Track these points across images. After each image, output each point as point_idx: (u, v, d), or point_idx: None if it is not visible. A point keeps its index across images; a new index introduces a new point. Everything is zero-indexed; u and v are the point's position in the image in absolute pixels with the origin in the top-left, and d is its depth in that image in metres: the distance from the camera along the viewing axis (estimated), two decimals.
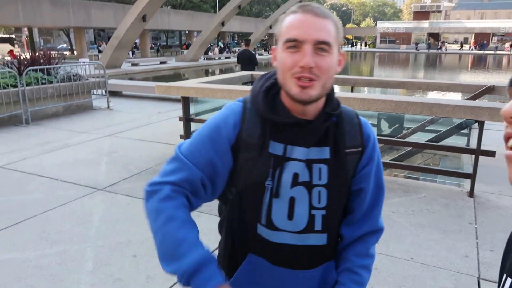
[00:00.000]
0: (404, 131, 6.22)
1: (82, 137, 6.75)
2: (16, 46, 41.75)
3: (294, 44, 0.95)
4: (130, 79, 21.08)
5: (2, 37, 42.03)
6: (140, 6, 20.50)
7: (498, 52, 53.17)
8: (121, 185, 4.53)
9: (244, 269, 1.12)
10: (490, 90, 5.59)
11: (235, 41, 58.77)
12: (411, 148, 5.04)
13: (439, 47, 59.38)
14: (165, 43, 60.84)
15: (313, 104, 1.01)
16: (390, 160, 5.54)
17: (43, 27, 43.72)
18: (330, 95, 1.06)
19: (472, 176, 4.17)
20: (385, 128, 6.48)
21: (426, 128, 6.15)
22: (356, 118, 1.11)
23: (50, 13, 28.09)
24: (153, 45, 52.05)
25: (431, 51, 57.23)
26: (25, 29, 40.23)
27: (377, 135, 4.67)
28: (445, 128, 5.82)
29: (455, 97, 7.58)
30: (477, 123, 4.13)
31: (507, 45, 55.58)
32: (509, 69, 33.55)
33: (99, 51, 29.27)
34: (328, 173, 1.05)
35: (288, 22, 0.98)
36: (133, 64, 26.69)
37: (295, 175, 1.04)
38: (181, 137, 5.89)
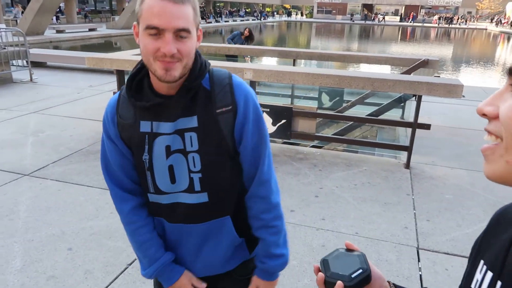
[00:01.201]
0: (344, 104, 6.36)
1: (1, 115, 6.05)
2: None
3: (155, 32, 1.01)
4: (56, 47, 19.35)
5: None
6: None
7: (425, 24, 56.37)
8: (50, 169, 4.13)
9: (156, 230, 1.30)
10: (424, 63, 5.83)
11: None
12: (352, 122, 5.14)
13: (372, 18, 61.55)
14: (93, 8, 56.39)
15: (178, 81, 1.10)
16: (332, 134, 5.64)
17: None
18: (191, 69, 1.13)
19: (409, 149, 4.36)
20: (326, 101, 6.58)
21: (365, 101, 6.34)
22: (227, 79, 1.17)
23: None
24: (80, 10, 47.96)
25: (367, 22, 59.04)
26: None
27: (319, 108, 4.66)
28: (383, 100, 6.03)
29: (391, 70, 7.88)
30: (414, 97, 4.28)
31: (435, 17, 59.07)
32: (437, 41, 35.75)
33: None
34: (198, 140, 1.14)
35: (148, 7, 1.01)
36: (58, 31, 24.46)
37: (168, 147, 1.15)
38: None
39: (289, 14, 73.65)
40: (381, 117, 5.00)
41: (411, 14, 63.04)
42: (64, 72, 9.99)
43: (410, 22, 59.98)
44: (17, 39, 9.41)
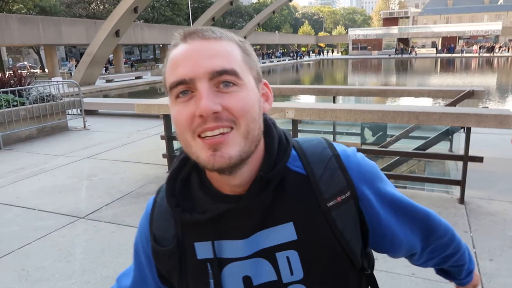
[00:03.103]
0: (388, 139, 6.25)
1: (59, 161, 6.47)
2: None
3: (184, 88, 0.65)
4: (105, 96, 20.69)
5: None
6: (112, 22, 20.21)
7: (466, 54, 55.16)
8: (103, 211, 4.31)
9: None
10: (469, 94, 5.67)
11: None
12: (398, 157, 5.02)
13: (409, 51, 61.18)
14: (139, 58, 60.25)
15: (243, 167, 0.69)
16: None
17: (11, 45, 42.52)
18: (266, 146, 0.73)
19: (461, 183, 4.17)
20: (369, 136, 6.49)
21: (409, 135, 6.19)
22: (328, 149, 0.76)
23: (19, 31, 27.34)
24: (127, 60, 51.41)
25: (404, 56, 58.72)
26: None
27: (362, 144, 4.61)
28: (429, 133, 5.87)
29: (435, 103, 7.73)
30: (462, 129, 4.15)
31: (475, 47, 57.79)
32: (478, 71, 34.78)
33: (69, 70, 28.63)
34: (301, 261, 0.72)
35: (171, 60, 0.68)
36: (108, 80, 26.22)
37: (246, 279, 0.73)
38: (164, 156, 5.71)
39: (320, 52, 74.79)
40: (429, 150, 4.85)
41: (447, 45, 62.11)
42: (114, 118, 10.61)
43: (447, 53, 58.95)
44: (72, 90, 10.19)
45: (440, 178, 4.67)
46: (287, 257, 0.72)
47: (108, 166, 6.08)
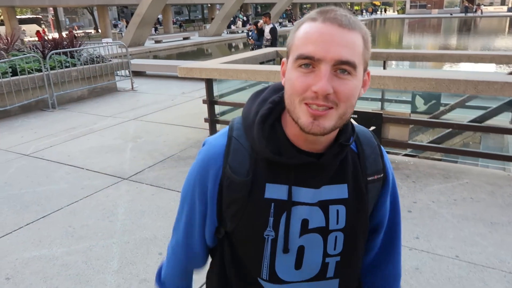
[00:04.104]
0: (442, 108, 5.81)
1: (107, 121, 6.71)
2: (43, 26, 42.32)
3: (308, 62, 0.75)
4: (154, 57, 21.03)
5: (29, 18, 42.68)
6: None
7: None
8: (146, 173, 4.44)
9: None
10: None
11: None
12: (451, 129, 4.66)
13: (474, 10, 56.00)
14: (187, 18, 60.23)
15: (327, 135, 0.81)
16: (427, 142, 5.18)
17: (67, 6, 43.99)
18: (345, 123, 0.86)
19: None
20: (420, 105, 6.07)
21: (466, 104, 5.72)
22: (375, 140, 0.95)
23: None
24: (175, 20, 51.58)
25: (468, 14, 53.81)
26: (51, 8, 40.63)
27: (412, 112, 4.30)
28: (488, 103, 5.37)
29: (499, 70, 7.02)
30: None
31: None
32: None
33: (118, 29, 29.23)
34: (346, 215, 0.89)
35: (304, 33, 0.78)
36: (156, 41, 26.54)
37: (304, 222, 0.87)
38: (206, 120, 5.72)
39: (374, 12, 70.51)
40: (487, 123, 4.45)
41: None
42: (160, 80, 10.77)
43: None
44: (121, 51, 10.40)
45: (497, 153, 4.27)
46: (337, 210, 0.88)
47: (152, 128, 6.21)
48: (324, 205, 0.87)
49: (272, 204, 0.86)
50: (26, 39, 28.09)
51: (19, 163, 4.92)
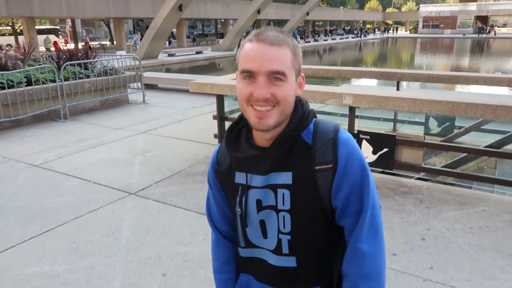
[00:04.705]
0: (456, 131, 5.69)
1: (117, 134, 6.70)
2: (60, 36, 43.22)
3: (249, 75, 0.98)
4: (167, 70, 21.24)
5: (47, 28, 43.65)
6: None
7: None
8: (153, 189, 4.38)
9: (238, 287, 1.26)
10: None
11: None
12: (466, 154, 4.53)
13: (488, 31, 55.81)
14: (201, 32, 61.06)
15: (275, 129, 1.03)
16: (442, 166, 5.05)
17: (85, 18, 44.96)
18: (290, 120, 1.06)
19: None
20: (434, 127, 5.96)
21: (481, 127, 5.59)
22: (332, 133, 1.06)
23: (91, 5, 28.74)
24: (189, 34, 52.31)
25: (482, 35, 53.52)
26: (69, 20, 41.55)
27: (426, 134, 4.16)
28: (505, 127, 5.23)
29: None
30: None
31: None
32: None
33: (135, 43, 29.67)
34: (290, 199, 1.06)
35: (244, 52, 1.00)
36: (170, 55, 26.86)
37: (258, 201, 1.10)
38: (215, 136, 5.68)
39: (386, 30, 70.64)
40: (505, 148, 4.32)
41: None
42: (172, 94, 10.82)
43: None
44: (134, 63, 10.49)
45: None
46: (283, 193, 1.07)
47: (161, 142, 6.18)
48: (273, 188, 1.07)
49: (240, 187, 1.12)
50: (42, 48, 28.68)
51: (28, 174, 4.90)
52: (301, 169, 1.05)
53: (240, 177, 1.13)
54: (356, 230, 1.06)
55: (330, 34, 55.25)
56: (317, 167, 1.04)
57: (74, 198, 4.17)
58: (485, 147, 4.30)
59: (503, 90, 6.36)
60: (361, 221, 1.06)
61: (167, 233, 3.41)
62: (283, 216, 1.08)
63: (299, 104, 1.09)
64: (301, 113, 1.08)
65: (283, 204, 1.07)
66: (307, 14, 36.05)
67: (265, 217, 1.10)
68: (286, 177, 1.06)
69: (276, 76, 0.97)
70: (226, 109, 5.72)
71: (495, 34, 54.54)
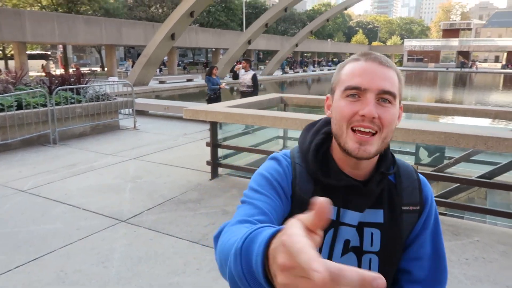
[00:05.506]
0: (446, 161, 5.77)
1: (107, 160, 6.62)
2: (51, 62, 43.30)
3: (355, 93, 0.88)
4: (157, 96, 21.31)
5: (38, 53, 43.75)
6: (169, 25, 20.82)
7: None
8: (144, 216, 4.29)
9: None
10: None
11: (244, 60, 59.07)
12: (458, 184, 4.58)
13: (470, 65, 57.84)
14: (191, 60, 61.90)
15: (369, 160, 0.93)
16: (435, 197, 5.07)
17: (76, 44, 45.28)
18: (385, 153, 0.97)
19: None
20: (424, 157, 6.04)
21: (471, 158, 5.68)
22: (415, 174, 1.03)
23: (84, 31, 29.00)
24: (180, 62, 52.96)
25: (464, 70, 55.39)
26: (60, 46, 41.75)
27: (416, 164, 4.21)
28: (494, 158, 5.33)
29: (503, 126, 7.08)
30: None
31: None
32: None
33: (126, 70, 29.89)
34: (381, 239, 0.97)
35: (350, 69, 0.91)
36: (161, 82, 27.03)
37: (346, 242, 0.96)
38: (208, 163, 5.65)
39: None
40: (497, 179, 4.38)
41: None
42: (163, 120, 10.81)
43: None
44: (126, 89, 10.51)
45: (508, 211, 4.16)
46: (372, 233, 0.96)
47: (153, 168, 6.12)
48: (359, 227, 0.95)
49: None
50: (32, 73, 28.62)
51: (15, 199, 4.77)
52: (390, 207, 0.98)
53: None
54: (429, 276, 1.01)
55: (318, 65, 56.52)
56: (404, 207, 0.99)
57: (63, 225, 4.05)
58: (477, 177, 4.35)
59: (491, 122, 6.53)
60: (437, 268, 1.02)
61: (159, 262, 3.32)
62: (370, 259, 0.97)
63: None
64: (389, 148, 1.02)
65: (371, 245, 0.97)
66: (296, 45, 36.95)
67: (345, 262, 0.95)
68: (378, 215, 0.97)
69: (386, 97, 0.87)
70: (219, 135, 5.73)
71: (476, 69, 56.48)
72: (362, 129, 0.86)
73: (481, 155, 5.69)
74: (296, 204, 0.96)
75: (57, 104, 8.02)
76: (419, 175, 1.04)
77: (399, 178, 1.00)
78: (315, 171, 0.95)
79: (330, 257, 0.95)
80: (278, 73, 39.52)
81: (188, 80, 29.84)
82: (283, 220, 0.94)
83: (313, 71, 48.49)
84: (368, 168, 0.95)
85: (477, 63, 61.01)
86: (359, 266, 0.95)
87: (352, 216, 0.95)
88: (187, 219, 4.19)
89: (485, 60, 75.28)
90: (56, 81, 9.06)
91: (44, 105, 7.76)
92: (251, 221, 0.82)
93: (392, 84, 0.88)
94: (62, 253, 3.48)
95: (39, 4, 39.50)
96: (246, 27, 39.21)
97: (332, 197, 0.82)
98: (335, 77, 0.94)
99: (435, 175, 4.70)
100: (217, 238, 0.83)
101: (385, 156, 0.97)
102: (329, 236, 0.95)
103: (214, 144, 5.56)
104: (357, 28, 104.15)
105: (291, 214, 0.95)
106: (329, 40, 73.61)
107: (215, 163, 5.60)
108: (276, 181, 0.95)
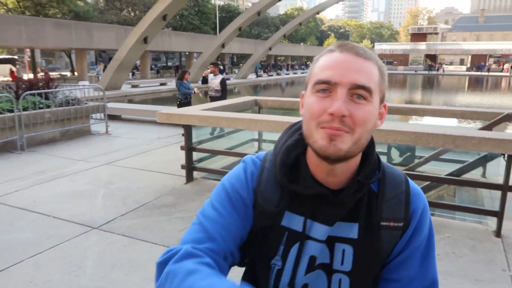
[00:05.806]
0: (416, 160, 5.93)
1: (79, 166, 6.43)
2: (17, 66, 41.82)
3: (325, 87, 0.77)
4: (130, 101, 20.95)
5: (4, 58, 42.16)
6: (141, 28, 20.54)
7: (494, 73, 53.56)
8: (117, 222, 4.19)
9: None
10: (508, 118, 5.33)
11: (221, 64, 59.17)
12: (429, 182, 4.72)
13: (437, 68, 59.91)
14: (164, 64, 61.23)
15: (343, 164, 0.81)
16: None
17: (45, 48, 43.95)
18: (367, 156, 0.85)
19: (499, 214, 3.85)
20: (396, 156, 6.19)
21: (440, 157, 5.87)
22: (403, 184, 0.88)
23: (53, 35, 28.19)
24: (153, 66, 52.28)
25: (431, 72, 57.32)
26: (28, 50, 40.43)
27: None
28: (462, 157, 5.52)
29: (469, 125, 7.36)
30: (503, 156, 3.84)
31: (506, 66, 55.99)
32: (511, 91, 33.64)
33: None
34: (353, 258, 0.84)
35: (323, 62, 0.81)
36: (133, 86, 26.58)
37: (312, 259, 0.85)
38: (183, 167, 5.58)
39: None
40: (465, 177, 4.54)
41: (477, 63, 60.42)
42: (136, 125, 10.62)
43: (476, 71, 57.31)
44: (97, 93, 10.27)
45: (476, 207, 4.32)
46: (343, 250, 0.84)
47: (126, 173, 5.99)
48: (330, 241, 0.84)
49: (286, 233, 0.86)
50: (0, 78, 27.58)
51: None
52: (366, 221, 0.85)
53: (292, 220, 0.85)
54: None
55: (291, 69, 57.11)
56: (383, 223, 0.85)
57: (32, 234, 3.90)
58: (446, 175, 4.49)
59: (458, 122, 6.76)
60: None
61: (134, 269, 3.24)
62: (339, 280, 0.85)
63: (373, 143, 0.88)
64: (375, 154, 0.88)
65: (342, 264, 0.84)
66: (270, 49, 37.20)
67: (311, 280, 0.85)
68: (352, 230, 0.84)
69: (359, 92, 0.76)
70: (194, 138, 5.68)
71: (443, 71, 58.58)
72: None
73: (450, 153, 5.89)
74: (259, 214, 0.88)
75: (25, 109, 7.74)
76: (411, 185, 0.89)
77: (383, 188, 0.87)
78: (280, 177, 0.86)
79: (294, 274, 0.85)
80: (252, 77, 39.66)
81: (162, 84, 29.53)
82: (247, 234, 0.88)
83: (286, 74, 48.94)
84: (345, 175, 0.83)
85: (444, 66, 63.29)
86: (329, 286, 0.85)
87: (320, 230, 0.84)
88: (162, 224, 4.12)
89: (451, 63, 78.26)
90: (24, 86, 8.75)
91: (11, 111, 7.47)
92: (198, 254, 0.79)
93: (368, 78, 0.77)
94: (31, 263, 3.34)
95: (5, 7, 38.14)
96: (220, 31, 39.23)
97: (300, 206, 0.85)
98: (309, 71, 0.85)
99: (408, 174, 4.82)
100: (161, 265, 0.80)
101: (367, 162, 0.84)
102: (294, 250, 0.85)
103: (189, 148, 5.50)
104: (329, 32, 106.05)
105: (254, 224, 0.88)
106: (302, 44, 74.56)
107: (190, 167, 5.55)
108: (235, 192, 0.88)
